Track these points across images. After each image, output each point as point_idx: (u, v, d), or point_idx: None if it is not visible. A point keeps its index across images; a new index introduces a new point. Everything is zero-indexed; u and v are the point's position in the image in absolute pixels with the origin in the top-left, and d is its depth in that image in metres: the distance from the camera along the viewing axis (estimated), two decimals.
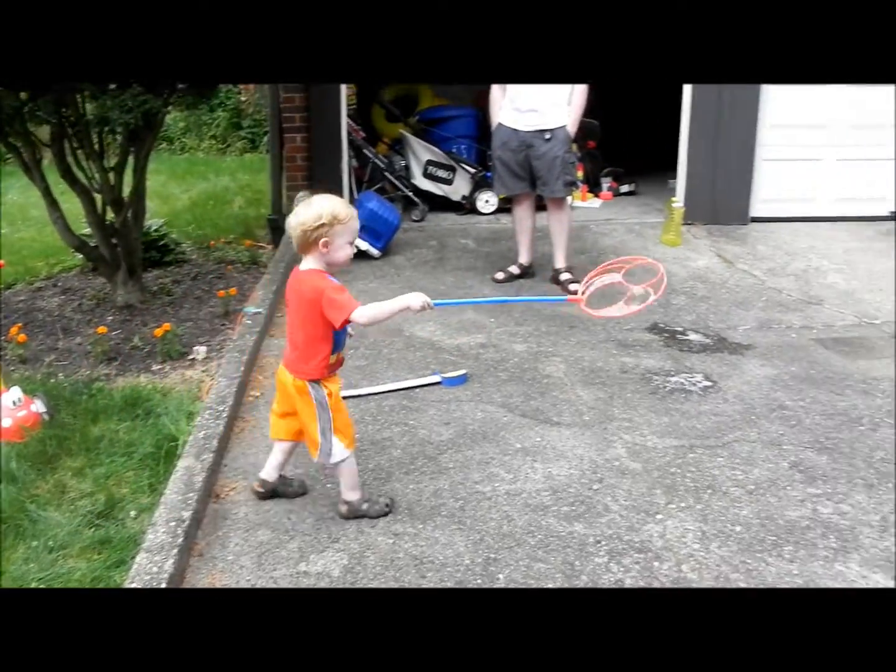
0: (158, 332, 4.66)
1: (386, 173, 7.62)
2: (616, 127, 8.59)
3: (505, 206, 7.13)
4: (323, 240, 2.87)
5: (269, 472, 3.28)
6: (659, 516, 3.22)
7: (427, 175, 7.86)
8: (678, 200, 7.09)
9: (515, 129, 5.60)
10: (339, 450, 3.06)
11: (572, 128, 5.59)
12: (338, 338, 3.01)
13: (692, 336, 5.01)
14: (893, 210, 7.66)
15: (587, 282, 3.42)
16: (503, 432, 3.82)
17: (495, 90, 5.73)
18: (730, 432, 3.86)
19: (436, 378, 4.30)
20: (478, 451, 3.65)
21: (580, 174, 8.06)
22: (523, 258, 6.03)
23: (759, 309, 5.46)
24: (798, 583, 2.86)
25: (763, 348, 4.81)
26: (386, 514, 3.20)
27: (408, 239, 6.90)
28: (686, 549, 3.02)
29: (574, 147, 6.69)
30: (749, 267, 6.30)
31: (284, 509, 3.26)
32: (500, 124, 5.70)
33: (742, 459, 3.63)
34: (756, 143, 7.37)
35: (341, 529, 3.12)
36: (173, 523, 2.98)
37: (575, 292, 5.60)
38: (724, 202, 7.36)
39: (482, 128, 7.17)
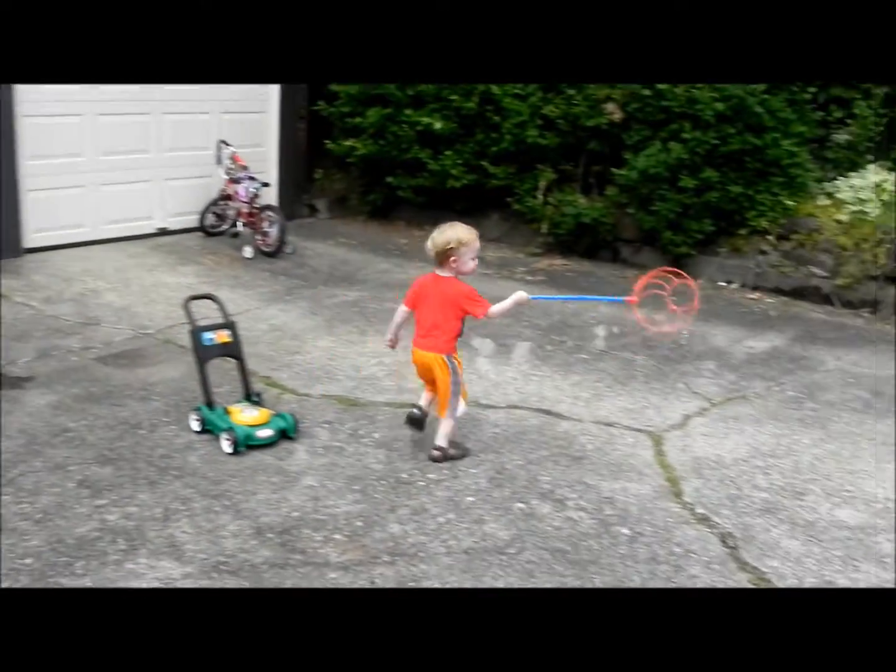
0: None
1: None
2: None
3: None
4: (452, 258, 3.88)
5: (424, 405, 4.19)
6: None
7: None
8: None
9: None
10: (462, 407, 4.11)
11: None
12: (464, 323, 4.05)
13: None
14: (160, 227, 8.20)
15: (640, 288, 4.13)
16: None
17: None
18: (13, 468, 3.80)
19: None
20: None
21: None
22: None
23: (38, 339, 5.42)
24: None
25: (44, 377, 4.81)
26: (463, 457, 4.11)
27: None
28: None
29: None
30: (26, 298, 6.20)
31: None
32: None
33: (28, 491, 3.62)
34: (19, 175, 7.26)
35: None
36: None
37: None
38: None
39: None
